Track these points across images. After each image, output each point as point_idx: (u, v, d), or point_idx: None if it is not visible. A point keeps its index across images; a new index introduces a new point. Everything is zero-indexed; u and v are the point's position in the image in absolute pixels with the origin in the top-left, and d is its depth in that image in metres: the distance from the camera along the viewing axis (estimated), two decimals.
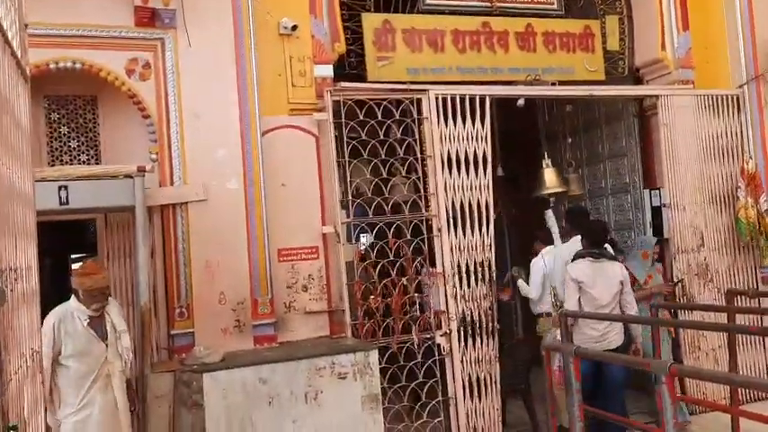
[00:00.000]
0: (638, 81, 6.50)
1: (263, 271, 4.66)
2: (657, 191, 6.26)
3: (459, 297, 5.17)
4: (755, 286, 6.04)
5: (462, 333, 5.15)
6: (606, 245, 4.88)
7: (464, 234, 5.23)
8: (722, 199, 6.16)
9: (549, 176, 6.40)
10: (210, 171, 4.65)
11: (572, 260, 4.73)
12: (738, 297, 5.29)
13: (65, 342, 3.67)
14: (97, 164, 4.76)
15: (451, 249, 5.19)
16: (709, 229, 6.09)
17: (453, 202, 5.22)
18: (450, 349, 5.12)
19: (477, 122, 5.31)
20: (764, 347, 5.96)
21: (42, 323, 3.36)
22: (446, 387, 5.13)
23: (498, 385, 5.22)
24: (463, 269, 5.21)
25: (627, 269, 4.96)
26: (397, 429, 4.94)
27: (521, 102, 5.66)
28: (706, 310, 4.68)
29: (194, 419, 3.98)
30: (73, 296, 3.79)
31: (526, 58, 5.86)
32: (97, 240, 4.73)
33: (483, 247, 5.28)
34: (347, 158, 5.04)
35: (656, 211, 6.28)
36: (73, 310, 3.74)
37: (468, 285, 5.21)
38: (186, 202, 4.58)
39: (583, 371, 3.77)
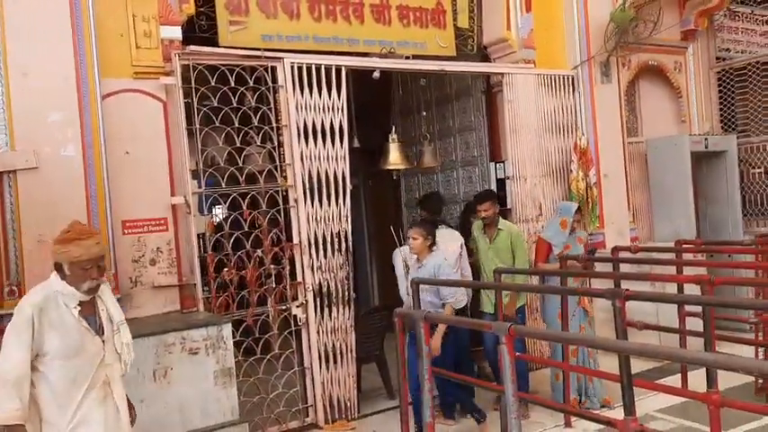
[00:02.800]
0: (486, 59, 6.79)
1: (106, 244, 4.37)
2: (502, 164, 6.62)
3: (315, 268, 5.18)
4: (585, 251, 6.61)
5: (318, 303, 5.18)
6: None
7: (321, 205, 5.23)
8: (558, 172, 6.64)
9: (394, 152, 6.53)
10: (43, 136, 4.24)
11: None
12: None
13: (47, 338, 2.71)
14: None
15: (308, 220, 5.17)
16: (547, 200, 6.56)
17: (310, 173, 5.19)
18: (307, 320, 5.14)
19: (334, 93, 5.29)
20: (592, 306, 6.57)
21: (12, 314, 2.76)
22: (302, 357, 5.15)
23: (354, 353, 5.32)
24: (320, 240, 5.21)
25: (545, 239, 5.28)
26: (252, 402, 4.89)
27: (376, 74, 5.71)
28: (548, 274, 5.04)
29: None
30: (54, 274, 2.82)
31: (381, 31, 5.92)
32: None
33: (340, 218, 5.31)
34: (198, 126, 4.83)
35: (501, 183, 6.66)
36: (57, 293, 2.78)
37: (325, 256, 5.23)
38: (14, 171, 4.16)
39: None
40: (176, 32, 4.84)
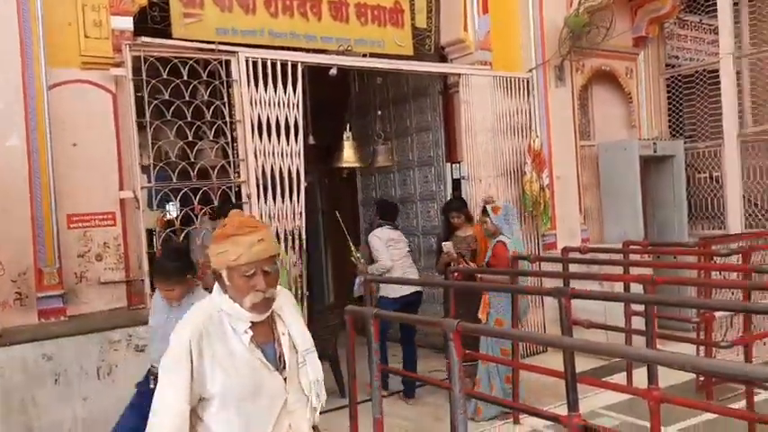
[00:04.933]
0: (444, 59, 6.84)
1: (50, 238, 4.25)
2: (458, 164, 6.68)
3: None
4: (537, 252, 6.73)
5: None
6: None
7: (274, 202, 5.18)
8: (512, 173, 6.73)
9: (348, 150, 6.53)
10: None
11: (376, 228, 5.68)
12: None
13: (211, 377, 1.96)
14: None
15: (261, 217, 5.12)
16: (501, 201, 6.59)
17: (263, 169, 5.14)
18: None
19: (289, 89, 5.25)
20: (543, 305, 6.69)
21: (171, 341, 2.01)
22: None
23: None
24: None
25: (505, 244, 5.24)
26: None
27: (333, 71, 5.69)
28: (493, 273, 5.10)
29: None
30: (216, 287, 2.08)
31: (339, 28, 5.90)
32: None
33: (293, 216, 5.28)
34: (149, 119, 4.74)
35: (457, 183, 6.72)
36: (221, 314, 2.04)
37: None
38: None
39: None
40: (127, 23, 4.74)
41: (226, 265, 1.98)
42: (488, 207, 5.32)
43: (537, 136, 6.74)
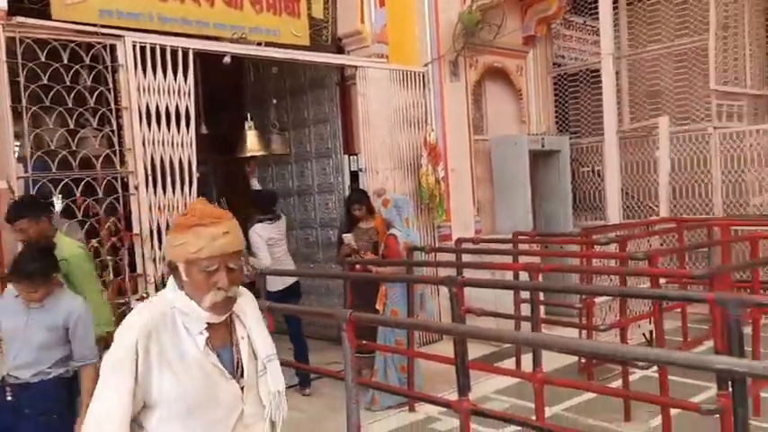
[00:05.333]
0: (340, 50, 6.83)
1: None
2: (356, 156, 6.71)
3: (158, 259, 4.94)
4: (433, 243, 6.88)
5: None
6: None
7: (164, 193, 4.99)
8: (409, 166, 6.84)
9: (252, 139, 6.41)
10: None
11: (257, 223, 5.62)
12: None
13: (157, 382, 1.73)
14: None
15: (150, 209, 4.92)
16: (398, 192, 6.72)
17: (152, 159, 4.94)
18: None
19: (180, 76, 5.07)
20: (439, 295, 6.85)
21: (110, 342, 1.80)
22: None
23: None
24: (164, 229, 4.98)
25: (396, 236, 5.24)
26: None
27: (227, 59, 5.54)
28: (387, 264, 5.17)
29: None
30: (171, 282, 1.85)
31: (233, 16, 5.75)
32: None
33: (185, 207, 5.11)
34: (26, 105, 4.43)
35: (355, 175, 6.74)
36: (174, 312, 1.81)
37: None
38: None
39: None
40: (1, 2, 4.39)
41: (184, 259, 1.75)
42: (378, 200, 5.37)
43: (432, 129, 6.88)
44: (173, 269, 1.80)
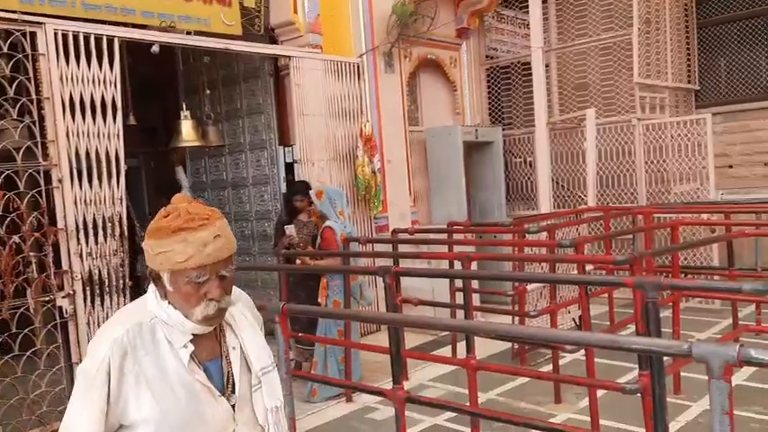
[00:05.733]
0: (273, 41, 6.75)
1: None
2: (291, 148, 6.65)
3: (84, 254, 4.78)
4: (371, 234, 6.91)
5: (89, 293, 4.79)
6: None
7: (90, 186, 4.82)
8: (345, 157, 6.84)
9: (187, 129, 6.27)
10: None
11: None
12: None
13: (135, 401, 1.54)
14: None
15: (75, 203, 4.75)
16: (334, 184, 6.70)
17: (77, 151, 4.76)
18: (75, 311, 4.73)
19: (105, 65, 4.90)
20: (377, 286, 6.89)
21: (85, 353, 1.61)
22: (70, 352, 4.74)
23: None
24: (90, 224, 4.82)
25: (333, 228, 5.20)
26: (10, 403, 4.40)
27: (155, 48, 5.38)
28: (324, 255, 5.16)
29: None
30: (151, 289, 1.63)
31: (160, 4, 5.58)
32: None
33: (113, 201, 4.95)
34: None
35: (290, 167, 6.69)
36: (155, 322, 1.59)
37: (96, 242, 4.84)
38: None
39: None
40: None
41: (169, 268, 1.52)
42: (311, 192, 5.36)
43: (368, 121, 6.89)
44: (154, 278, 1.58)
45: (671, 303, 4.61)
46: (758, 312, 5.49)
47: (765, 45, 8.43)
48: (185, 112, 6.35)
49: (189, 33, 5.67)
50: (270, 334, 6.37)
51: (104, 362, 1.50)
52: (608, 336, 2.15)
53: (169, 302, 1.57)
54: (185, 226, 1.50)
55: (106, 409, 1.51)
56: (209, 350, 1.63)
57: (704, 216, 6.79)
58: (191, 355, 1.57)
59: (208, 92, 6.97)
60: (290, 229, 5.46)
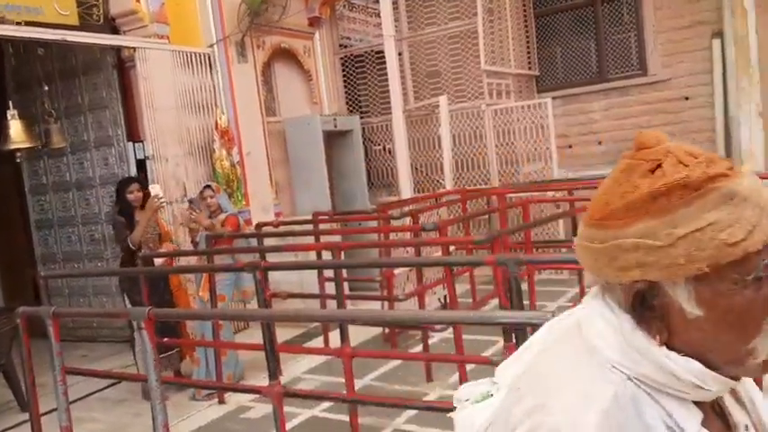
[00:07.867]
0: (115, 31, 6.32)
1: None
2: (141, 143, 6.29)
3: None
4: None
5: None
6: None
7: None
8: (201, 151, 6.59)
9: (15, 130, 5.69)
10: None
11: None
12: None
13: None
14: None
15: None
16: (191, 180, 6.45)
17: None
18: None
19: None
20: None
21: None
22: None
23: None
24: None
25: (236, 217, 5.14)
26: None
27: None
28: (186, 254, 4.96)
29: None
30: (616, 327, 0.80)
31: None
32: None
33: None
34: None
35: (141, 164, 6.33)
36: (636, 394, 0.77)
37: None
38: None
39: None
40: None
41: (703, 264, 0.73)
42: (212, 185, 5.37)
43: (223, 113, 6.69)
44: (635, 296, 0.79)
45: (526, 277, 4.91)
46: None
47: (594, 33, 9.17)
48: (12, 111, 5.76)
49: (19, 24, 5.17)
50: (125, 341, 6.02)
51: None
52: (478, 313, 2.25)
53: (677, 348, 0.78)
54: (725, 172, 0.75)
55: None
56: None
57: (550, 194, 7.29)
58: None
59: (46, 88, 6.38)
60: (156, 188, 5.08)
